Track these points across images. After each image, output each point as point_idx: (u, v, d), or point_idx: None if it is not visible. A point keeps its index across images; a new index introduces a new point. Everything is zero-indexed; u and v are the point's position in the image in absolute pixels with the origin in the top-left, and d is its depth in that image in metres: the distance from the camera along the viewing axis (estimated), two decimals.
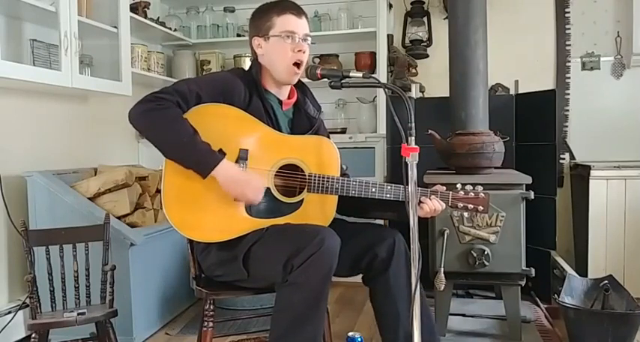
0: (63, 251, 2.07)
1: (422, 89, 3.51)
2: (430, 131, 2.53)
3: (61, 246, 2.07)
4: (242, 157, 1.66)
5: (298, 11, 1.76)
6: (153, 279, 2.62)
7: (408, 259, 1.66)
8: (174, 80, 3.21)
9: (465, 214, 2.17)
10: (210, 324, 1.76)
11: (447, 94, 2.74)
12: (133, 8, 3.16)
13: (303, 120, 1.84)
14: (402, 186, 1.69)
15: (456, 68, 2.66)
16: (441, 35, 3.35)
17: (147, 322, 2.57)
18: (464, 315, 2.69)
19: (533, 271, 2.31)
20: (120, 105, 2.89)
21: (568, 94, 3.54)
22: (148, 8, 3.41)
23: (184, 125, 1.57)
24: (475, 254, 2.32)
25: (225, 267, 1.70)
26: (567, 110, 3.54)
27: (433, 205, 1.69)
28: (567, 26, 3.54)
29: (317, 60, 3.63)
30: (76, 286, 2.09)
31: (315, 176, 1.70)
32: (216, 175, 1.58)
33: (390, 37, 3.57)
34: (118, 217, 2.53)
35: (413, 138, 1.46)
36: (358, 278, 1.81)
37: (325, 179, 1.70)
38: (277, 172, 1.70)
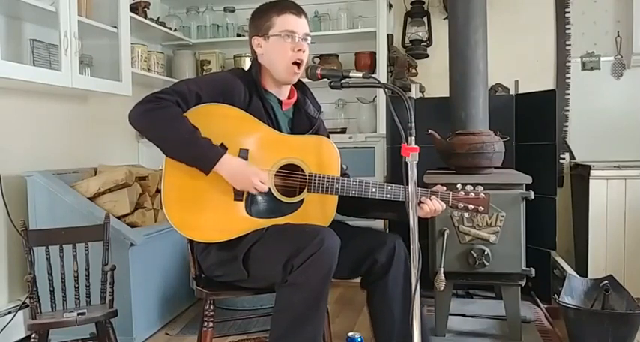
0: (63, 251, 2.07)
1: (422, 89, 3.51)
2: (430, 131, 2.52)
3: (61, 246, 2.07)
4: (242, 157, 1.66)
5: (298, 11, 1.76)
6: (153, 279, 2.62)
7: (408, 265, 1.67)
8: (175, 80, 3.22)
9: (466, 215, 2.17)
10: (210, 324, 1.76)
11: (447, 94, 2.74)
12: (133, 8, 3.16)
13: (303, 120, 1.84)
14: (402, 186, 1.68)
15: (456, 68, 2.66)
16: (441, 35, 3.35)
17: (147, 322, 2.57)
18: (464, 315, 2.69)
19: (533, 271, 2.31)
20: (120, 105, 2.89)
21: (568, 94, 3.54)
22: (148, 8, 3.41)
23: (184, 123, 1.57)
24: (475, 254, 2.32)
25: (225, 267, 1.70)
26: (567, 110, 3.54)
27: (433, 205, 1.69)
28: (567, 26, 3.54)
29: (317, 60, 3.63)
30: (76, 286, 2.09)
31: (315, 176, 1.70)
32: (220, 170, 1.57)
33: (390, 37, 3.57)
34: (118, 217, 2.53)
35: (413, 138, 1.46)
36: (358, 278, 1.81)
37: (325, 179, 1.70)
38: (277, 172, 1.70)
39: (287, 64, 1.73)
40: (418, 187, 1.56)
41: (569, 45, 3.54)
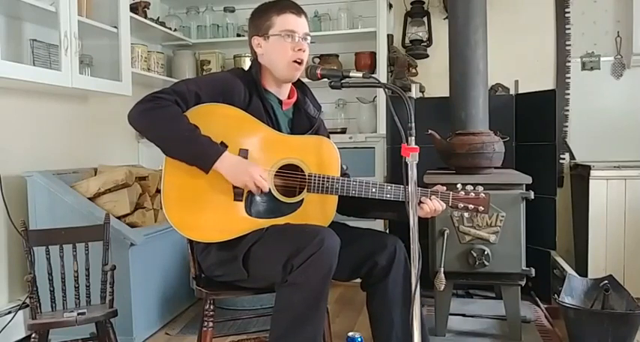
0: (63, 251, 2.07)
1: (422, 89, 3.51)
2: (430, 131, 2.52)
3: (61, 246, 2.07)
4: (242, 157, 1.66)
5: (298, 10, 1.76)
6: (153, 279, 2.62)
7: (408, 268, 1.67)
8: (175, 80, 3.22)
9: (466, 215, 2.17)
10: (210, 324, 1.76)
11: (447, 94, 2.74)
12: (133, 8, 3.16)
13: (303, 120, 1.84)
14: (402, 186, 1.68)
15: (456, 68, 2.66)
16: (441, 35, 3.35)
17: (147, 322, 2.57)
18: (464, 315, 2.69)
19: (533, 271, 2.31)
20: (120, 105, 2.89)
21: (568, 94, 3.54)
22: (148, 8, 3.41)
23: (184, 121, 1.57)
24: (475, 254, 2.32)
25: (225, 267, 1.70)
26: (567, 110, 3.54)
27: (433, 205, 1.69)
28: (567, 26, 3.54)
29: (317, 60, 3.63)
30: (76, 286, 2.09)
31: (315, 176, 1.70)
32: (220, 167, 1.57)
33: (390, 37, 3.57)
34: (118, 217, 2.53)
35: (413, 138, 1.46)
36: (359, 279, 1.81)
37: (325, 179, 1.70)
38: (277, 172, 1.70)
39: (287, 62, 1.73)
40: (418, 187, 1.56)
41: (569, 45, 3.54)
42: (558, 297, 2.36)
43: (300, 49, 1.73)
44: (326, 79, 1.67)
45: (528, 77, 3.54)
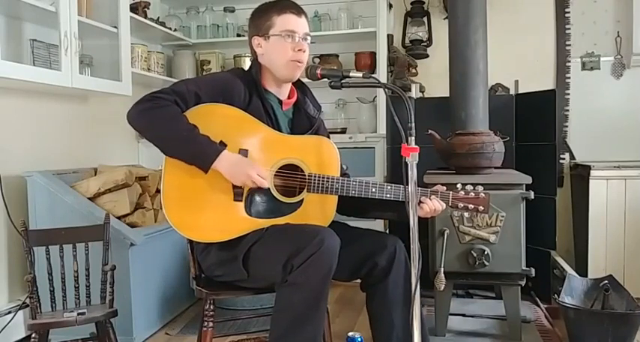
0: (63, 251, 2.07)
1: (422, 89, 3.51)
2: (430, 131, 2.52)
3: (61, 246, 2.07)
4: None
5: (298, 10, 1.76)
6: (153, 279, 2.62)
7: (408, 268, 1.67)
8: (175, 80, 3.22)
9: (466, 214, 2.17)
10: (210, 324, 1.76)
11: (447, 94, 2.74)
12: (133, 8, 3.16)
13: (303, 120, 1.84)
14: (402, 186, 1.68)
15: (456, 68, 2.66)
16: (441, 35, 3.35)
17: (147, 322, 2.57)
18: (464, 315, 2.69)
19: (533, 271, 2.31)
20: (120, 105, 2.89)
21: (568, 94, 3.54)
22: (148, 8, 3.41)
23: (182, 121, 1.57)
24: (475, 254, 2.32)
25: (225, 267, 1.70)
26: (567, 110, 3.54)
27: (433, 205, 1.69)
28: (567, 26, 3.54)
29: (317, 60, 3.63)
30: (76, 286, 2.09)
31: (314, 176, 1.70)
32: (219, 166, 1.57)
33: (390, 37, 3.57)
34: (118, 217, 2.53)
35: (413, 138, 1.45)
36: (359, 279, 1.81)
37: (325, 179, 1.70)
38: (277, 172, 1.70)
39: (287, 61, 1.73)
40: (418, 187, 1.56)
41: (569, 45, 3.54)
42: (558, 297, 2.36)
43: (300, 50, 1.73)
44: (326, 79, 1.67)
45: (528, 77, 3.54)
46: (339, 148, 1.78)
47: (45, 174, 2.51)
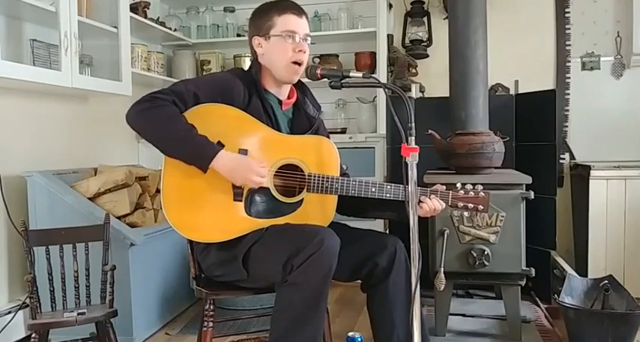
0: (63, 251, 2.07)
1: (422, 89, 3.51)
2: (430, 131, 2.53)
3: (61, 246, 2.07)
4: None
5: (299, 11, 1.76)
6: (153, 279, 2.62)
7: (408, 269, 1.66)
8: (175, 80, 3.22)
9: (465, 214, 2.16)
10: (210, 324, 1.76)
11: (447, 94, 2.74)
12: (133, 8, 3.16)
13: (303, 120, 1.84)
14: (401, 186, 1.69)
15: (456, 68, 2.66)
16: (441, 35, 3.35)
17: (147, 322, 2.57)
18: (464, 315, 2.69)
19: (533, 271, 2.31)
20: (120, 105, 2.89)
21: (568, 94, 3.54)
22: (148, 8, 3.41)
23: (181, 121, 1.57)
24: (475, 254, 2.32)
25: (225, 267, 1.70)
26: (567, 110, 3.54)
27: (433, 204, 1.69)
28: (567, 26, 3.54)
29: (317, 60, 3.63)
30: (76, 286, 2.09)
31: (314, 176, 1.70)
32: (217, 165, 1.57)
33: (390, 37, 3.57)
34: (118, 217, 2.53)
35: (413, 138, 1.46)
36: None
37: (325, 179, 1.70)
38: (277, 172, 1.70)
39: (288, 63, 1.73)
40: (418, 186, 1.56)
41: (569, 45, 3.54)
42: (558, 297, 2.36)
43: (300, 50, 1.73)
44: (326, 79, 1.67)
45: (528, 77, 3.54)
46: (339, 148, 1.78)
47: (45, 174, 2.51)
